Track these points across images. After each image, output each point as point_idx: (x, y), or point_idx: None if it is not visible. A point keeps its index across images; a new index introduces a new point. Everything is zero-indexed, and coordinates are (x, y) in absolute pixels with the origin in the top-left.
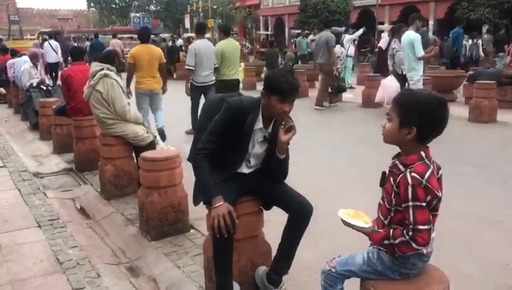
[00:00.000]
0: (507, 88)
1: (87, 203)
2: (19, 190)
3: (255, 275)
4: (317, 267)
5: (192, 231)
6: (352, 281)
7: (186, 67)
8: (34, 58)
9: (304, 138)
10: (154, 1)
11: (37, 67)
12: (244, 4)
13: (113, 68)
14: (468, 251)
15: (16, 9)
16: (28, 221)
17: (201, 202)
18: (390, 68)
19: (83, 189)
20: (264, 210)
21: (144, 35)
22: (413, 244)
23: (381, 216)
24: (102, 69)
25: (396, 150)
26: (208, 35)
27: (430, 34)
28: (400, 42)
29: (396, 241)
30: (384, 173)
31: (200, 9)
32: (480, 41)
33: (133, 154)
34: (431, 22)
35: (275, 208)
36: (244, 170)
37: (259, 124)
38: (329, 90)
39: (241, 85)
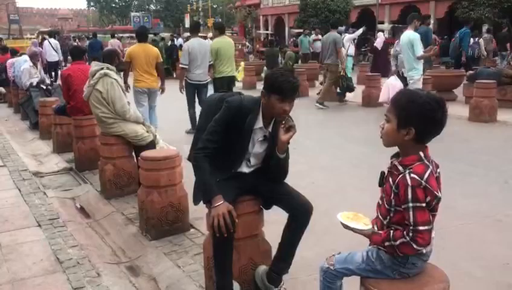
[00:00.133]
0: (507, 87)
1: (87, 202)
2: (19, 189)
3: (255, 274)
4: (317, 267)
5: (192, 230)
6: (352, 280)
7: (180, 65)
8: (34, 57)
9: (304, 137)
10: (154, 0)
11: (37, 67)
12: (244, 3)
13: (112, 67)
14: (468, 250)
15: (16, 9)
16: (28, 220)
17: (201, 202)
18: (393, 68)
19: (83, 188)
20: (264, 209)
21: (141, 35)
22: (414, 245)
23: (380, 216)
24: (102, 69)
25: (395, 149)
26: (210, 34)
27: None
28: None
29: (397, 242)
30: (383, 172)
31: (200, 9)
32: (481, 40)
33: (133, 153)
34: (431, 21)
35: (275, 208)
36: (244, 169)
37: (259, 124)
38: (338, 90)
39: (240, 84)
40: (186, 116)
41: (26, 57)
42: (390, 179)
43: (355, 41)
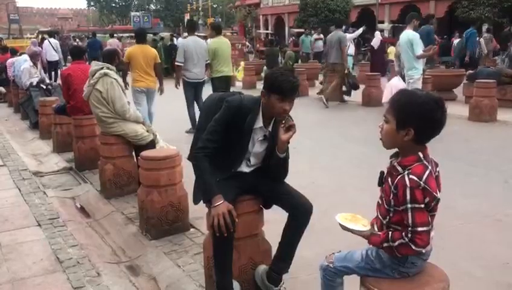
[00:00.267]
0: (507, 87)
1: (87, 202)
2: (19, 189)
3: (255, 273)
4: (317, 266)
5: (192, 229)
6: (352, 280)
7: (176, 63)
8: (34, 57)
9: (304, 137)
10: (154, 0)
11: (37, 66)
12: (244, 3)
13: (112, 67)
14: (468, 249)
15: (16, 8)
16: (28, 220)
17: (201, 201)
18: (397, 68)
19: (83, 188)
20: (264, 209)
21: (140, 36)
22: (413, 246)
23: (380, 216)
24: (102, 68)
25: (395, 148)
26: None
27: None
28: None
29: (396, 243)
30: (382, 172)
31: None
32: (482, 40)
33: (133, 153)
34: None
35: (275, 207)
36: (244, 169)
37: (259, 123)
38: (344, 88)
39: (240, 84)
40: (185, 115)
41: (26, 57)
42: (390, 180)
43: (355, 40)
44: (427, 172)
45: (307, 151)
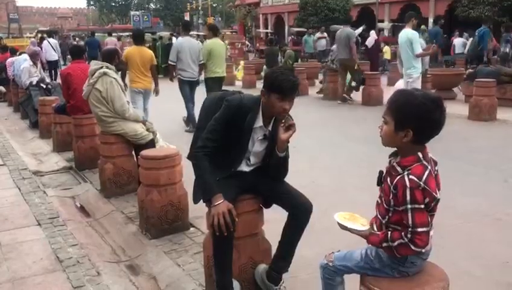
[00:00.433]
0: (507, 86)
1: (87, 201)
2: (19, 188)
3: (254, 273)
4: (317, 265)
5: (192, 229)
6: (352, 279)
7: (169, 62)
8: (33, 56)
9: (304, 136)
10: None
11: (36, 66)
12: (244, 2)
13: (112, 66)
14: (468, 248)
15: (15, 8)
16: (28, 219)
17: (201, 200)
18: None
19: (83, 187)
20: (264, 208)
21: (138, 37)
22: (412, 247)
23: (379, 215)
24: (101, 68)
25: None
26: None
27: None
28: None
29: (395, 243)
30: (381, 172)
31: (199, 8)
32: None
33: (133, 152)
34: (430, 20)
35: (275, 206)
36: (244, 168)
37: (259, 122)
38: (353, 83)
39: (240, 83)
40: (185, 115)
41: (25, 56)
42: (389, 180)
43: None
44: (427, 172)
45: (307, 150)
